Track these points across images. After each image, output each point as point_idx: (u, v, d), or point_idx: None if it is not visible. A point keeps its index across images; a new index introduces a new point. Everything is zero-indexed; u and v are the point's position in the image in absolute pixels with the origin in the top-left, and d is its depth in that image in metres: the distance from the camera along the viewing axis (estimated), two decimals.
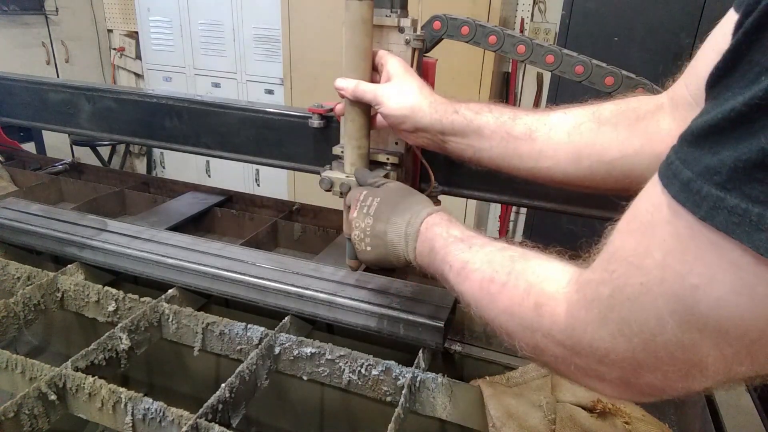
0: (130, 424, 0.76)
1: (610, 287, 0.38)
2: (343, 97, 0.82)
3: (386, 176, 0.90)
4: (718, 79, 0.32)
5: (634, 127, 0.65)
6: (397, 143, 0.92)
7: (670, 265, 0.34)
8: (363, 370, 0.84)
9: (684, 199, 0.32)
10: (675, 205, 0.33)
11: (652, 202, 0.36)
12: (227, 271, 1.01)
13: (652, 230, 0.35)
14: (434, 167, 0.95)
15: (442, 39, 0.96)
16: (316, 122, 1.10)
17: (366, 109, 0.82)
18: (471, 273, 0.55)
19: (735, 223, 0.29)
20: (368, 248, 0.71)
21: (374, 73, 0.84)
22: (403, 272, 1.17)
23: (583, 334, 0.41)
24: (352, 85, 0.79)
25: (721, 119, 0.30)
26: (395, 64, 0.80)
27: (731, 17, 0.52)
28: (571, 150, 0.69)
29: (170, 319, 0.96)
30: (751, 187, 0.28)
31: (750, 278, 0.30)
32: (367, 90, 0.79)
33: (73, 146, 4.16)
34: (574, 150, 0.69)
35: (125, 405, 0.76)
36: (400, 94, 0.77)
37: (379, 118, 0.85)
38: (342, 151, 0.89)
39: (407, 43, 0.86)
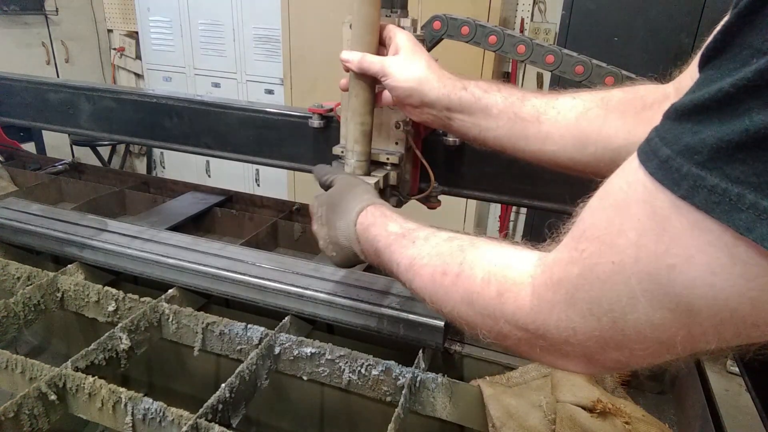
0: (130, 424, 0.76)
1: (580, 266, 0.38)
2: (347, 70, 0.80)
3: (386, 176, 0.90)
4: (709, 60, 0.32)
5: (640, 116, 0.65)
6: (397, 143, 0.92)
7: (645, 244, 0.33)
8: (363, 370, 0.84)
9: (662, 176, 0.32)
10: (652, 183, 0.33)
11: (627, 180, 0.35)
12: (227, 271, 1.01)
13: (627, 208, 0.35)
14: (434, 167, 0.95)
15: (442, 39, 0.96)
16: (316, 122, 1.10)
17: (371, 83, 0.80)
18: (420, 269, 0.55)
19: (715, 203, 0.29)
20: (334, 254, 0.72)
21: (381, 48, 0.81)
22: None
23: (549, 315, 0.41)
24: (358, 57, 0.77)
25: (707, 99, 0.30)
26: (404, 38, 0.78)
27: None
28: (577, 135, 0.68)
29: (170, 319, 0.96)
30: (733, 167, 0.28)
31: (727, 258, 0.30)
32: (374, 62, 0.76)
33: (73, 146, 4.16)
34: (581, 135, 0.68)
35: (125, 405, 0.76)
36: (409, 66, 0.75)
37: (384, 94, 0.82)
38: (342, 151, 0.89)
39: None
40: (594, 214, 0.38)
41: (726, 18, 0.31)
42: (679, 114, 0.32)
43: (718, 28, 0.31)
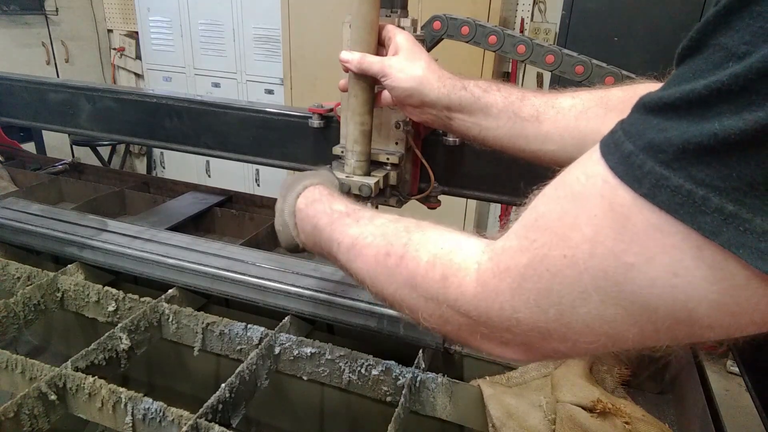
0: (130, 424, 0.76)
1: (529, 256, 0.37)
2: (347, 71, 0.80)
3: (386, 176, 0.90)
4: (684, 58, 0.31)
5: None
6: (397, 143, 0.92)
7: (601, 241, 0.32)
8: (363, 370, 0.84)
9: (623, 172, 0.31)
10: (612, 178, 0.32)
11: (586, 171, 0.35)
12: (227, 271, 1.01)
13: (583, 201, 0.34)
14: (434, 167, 0.95)
15: (442, 39, 0.96)
16: (316, 122, 1.10)
17: (370, 83, 0.80)
18: (363, 248, 0.53)
19: (679, 204, 0.29)
20: (280, 229, 0.70)
21: (380, 48, 0.81)
22: None
23: (492, 302, 0.40)
24: (357, 57, 0.77)
25: (677, 98, 0.29)
26: (403, 38, 0.78)
27: None
28: (577, 135, 0.68)
29: (170, 319, 0.96)
30: (698, 169, 0.28)
31: (691, 261, 0.29)
32: (373, 62, 0.76)
33: (73, 146, 4.16)
34: (581, 135, 0.68)
35: (125, 405, 0.76)
36: (408, 66, 0.75)
37: (384, 95, 0.82)
38: (342, 151, 0.89)
39: None
40: (548, 204, 0.37)
41: (702, 19, 0.30)
42: (648, 109, 0.31)
43: (695, 28, 0.30)
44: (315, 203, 0.63)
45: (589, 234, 0.33)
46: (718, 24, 0.29)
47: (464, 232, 0.48)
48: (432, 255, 0.46)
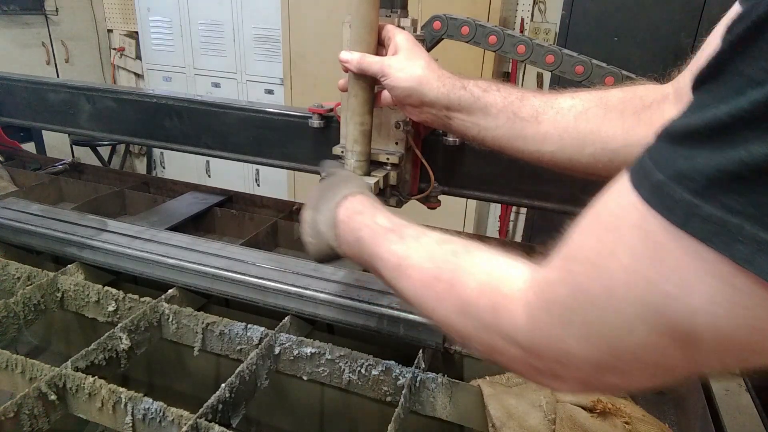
0: (130, 424, 0.76)
1: (570, 288, 0.37)
2: (346, 71, 0.80)
3: (386, 176, 0.90)
4: (702, 83, 0.31)
5: (639, 116, 0.64)
6: (397, 143, 0.92)
7: (639, 270, 0.32)
8: (363, 370, 0.84)
9: (656, 202, 0.31)
10: (645, 208, 0.32)
11: (619, 202, 0.35)
12: (227, 271, 1.01)
13: (618, 231, 0.34)
14: (434, 167, 0.95)
15: (442, 39, 0.96)
16: (316, 122, 1.10)
17: (370, 83, 0.80)
18: (409, 269, 0.52)
19: (712, 232, 0.29)
20: (312, 240, 0.69)
21: (380, 48, 0.81)
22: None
23: (543, 337, 0.39)
24: (357, 57, 0.77)
25: (701, 126, 0.29)
26: (403, 38, 0.78)
27: (735, 9, 0.52)
28: (576, 135, 0.68)
29: (170, 319, 0.96)
30: (729, 197, 0.28)
31: (728, 288, 0.29)
32: (373, 62, 0.76)
33: (73, 146, 4.16)
34: (580, 135, 0.67)
35: (125, 405, 0.76)
36: (408, 66, 0.75)
37: (384, 95, 0.82)
38: (342, 151, 0.89)
39: None
40: (584, 235, 0.37)
41: (720, 44, 0.30)
42: (672, 138, 0.32)
43: (713, 53, 0.30)
44: (357, 215, 0.62)
45: (626, 263, 0.33)
46: (736, 51, 0.29)
47: (510, 256, 0.47)
48: (480, 283, 0.46)
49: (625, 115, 0.66)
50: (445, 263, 0.49)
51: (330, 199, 0.67)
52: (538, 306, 0.40)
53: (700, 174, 0.29)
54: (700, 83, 0.32)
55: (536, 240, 2.84)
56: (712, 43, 0.56)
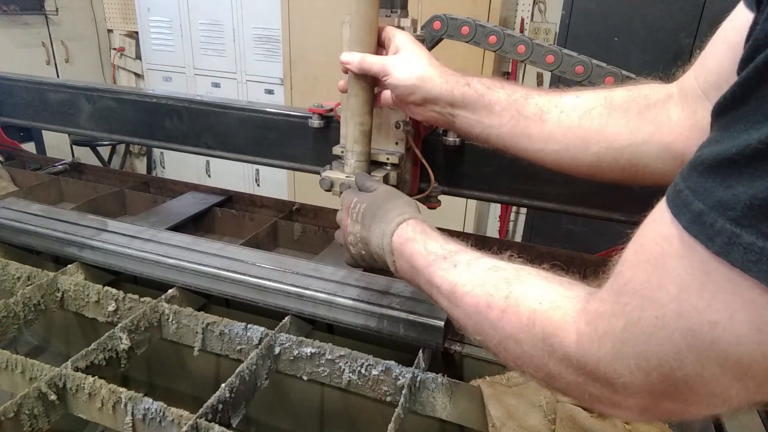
0: (130, 424, 0.76)
1: (624, 320, 0.37)
2: (346, 72, 0.79)
3: (386, 176, 0.90)
4: (727, 109, 0.32)
5: (644, 115, 0.64)
6: (397, 143, 0.92)
7: (686, 299, 0.33)
8: (363, 370, 0.84)
9: (696, 231, 0.32)
10: (687, 238, 0.32)
11: (662, 234, 0.35)
12: (227, 271, 1.01)
13: (664, 263, 0.35)
14: (434, 167, 0.95)
15: (442, 39, 0.96)
16: (316, 122, 1.10)
17: (370, 83, 0.80)
18: (463, 297, 0.53)
19: (752, 261, 0.29)
20: (362, 252, 0.71)
21: (380, 49, 0.81)
22: None
23: (596, 367, 0.40)
24: (358, 58, 0.76)
25: (735, 153, 0.30)
26: (403, 38, 0.78)
27: (742, 11, 0.51)
28: (580, 135, 0.68)
29: (170, 319, 0.96)
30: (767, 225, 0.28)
31: None
32: (374, 62, 0.76)
33: (73, 146, 4.16)
34: (584, 135, 0.67)
35: (125, 405, 0.76)
36: (410, 64, 0.75)
37: (383, 95, 0.82)
38: (342, 151, 0.89)
39: None
40: (632, 269, 0.38)
41: (745, 71, 0.31)
42: (707, 166, 0.32)
43: (738, 80, 0.31)
44: (410, 242, 0.63)
45: (674, 293, 0.34)
46: (762, 77, 0.29)
47: (561, 282, 0.48)
48: (531, 311, 0.46)
49: (629, 114, 0.65)
50: (497, 290, 0.50)
51: (380, 219, 0.68)
52: (590, 337, 0.41)
53: (739, 202, 0.29)
54: (725, 108, 0.32)
55: (536, 240, 2.84)
56: (715, 46, 0.56)
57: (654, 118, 0.64)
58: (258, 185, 3.90)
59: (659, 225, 0.36)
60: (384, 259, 0.67)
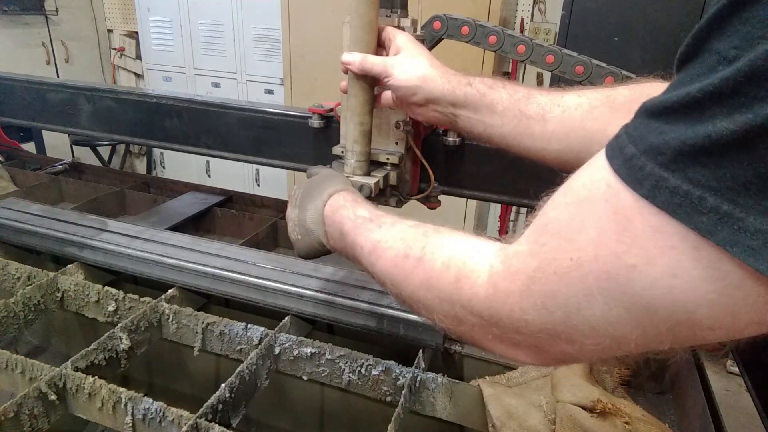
0: (130, 424, 0.76)
1: (539, 260, 0.38)
2: (346, 72, 0.79)
3: (386, 176, 0.90)
4: (683, 63, 0.32)
5: None
6: (397, 143, 0.92)
7: (605, 243, 0.33)
8: (363, 370, 0.84)
9: (625, 174, 0.32)
10: (615, 181, 0.33)
11: (592, 176, 0.36)
12: (227, 271, 1.01)
13: (589, 205, 0.35)
14: (434, 167, 0.95)
15: (442, 39, 0.96)
16: (316, 122, 1.10)
17: (371, 83, 0.80)
18: (384, 251, 0.55)
19: (677, 204, 0.29)
20: (299, 237, 0.72)
21: (380, 50, 0.81)
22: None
23: (502, 304, 0.41)
24: (359, 58, 0.76)
25: (675, 101, 0.30)
26: (404, 38, 0.78)
27: None
28: (582, 134, 0.68)
29: (170, 319, 0.96)
30: (695, 170, 0.29)
31: (688, 261, 0.30)
32: (375, 63, 0.76)
33: (73, 146, 4.16)
34: (586, 134, 0.67)
35: (125, 405, 0.76)
36: (411, 65, 0.75)
37: (384, 95, 0.82)
38: (342, 151, 0.89)
39: None
40: (556, 209, 0.39)
41: (697, 25, 0.31)
42: (649, 113, 0.33)
43: (692, 32, 0.31)
44: (340, 209, 0.65)
45: (594, 237, 0.34)
46: (711, 30, 0.30)
47: (481, 237, 0.49)
48: (447, 257, 0.48)
49: (632, 113, 0.65)
50: (415, 242, 0.52)
51: (315, 197, 0.69)
52: (502, 276, 0.42)
53: (669, 147, 0.30)
54: (680, 64, 0.33)
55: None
56: None
57: None
58: (258, 185, 3.90)
59: (592, 168, 0.36)
60: (316, 237, 0.68)
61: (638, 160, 0.31)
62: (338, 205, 0.66)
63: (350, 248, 0.62)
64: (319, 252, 0.71)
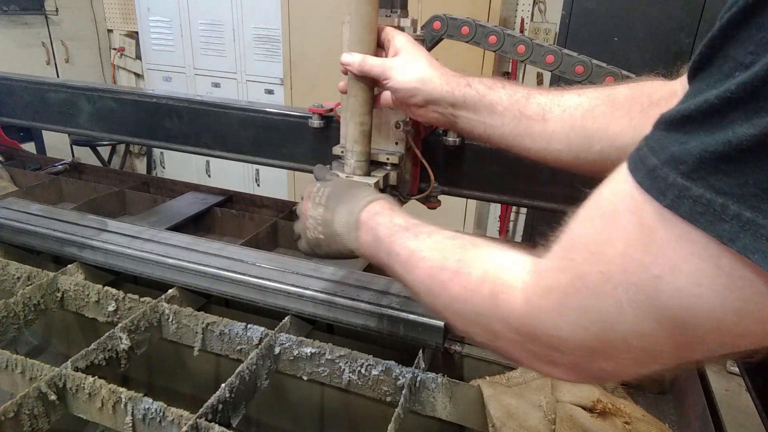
0: (130, 424, 0.76)
1: (570, 275, 0.38)
2: (345, 73, 0.79)
3: (386, 176, 0.90)
4: (697, 71, 0.32)
5: (647, 113, 0.64)
6: (397, 143, 0.92)
7: (632, 255, 0.33)
8: (363, 370, 0.84)
9: (649, 186, 0.32)
10: (639, 193, 0.33)
11: (616, 190, 0.36)
12: (227, 271, 1.01)
13: (615, 218, 0.35)
14: (434, 167, 0.95)
15: (442, 39, 0.96)
16: (316, 122, 1.10)
17: (370, 84, 0.80)
18: (419, 261, 0.55)
19: (699, 213, 0.29)
20: (320, 236, 0.71)
21: (379, 50, 0.81)
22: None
23: (539, 321, 0.41)
24: (359, 59, 0.76)
25: (693, 110, 0.30)
26: (403, 39, 0.78)
27: None
28: (583, 134, 0.68)
29: (170, 319, 0.96)
30: (717, 178, 0.29)
31: (711, 269, 0.30)
32: (375, 64, 0.76)
33: (73, 146, 4.16)
34: (587, 134, 0.67)
35: (125, 405, 0.76)
36: (410, 66, 0.75)
37: (383, 96, 0.82)
38: (342, 151, 0.89)
39: None
40: (583, 224, 0.39)
41: (710, 32, 0.31)
42: (668, 124, 0.33)
43: (705, 40, 0.31)
44: (376, 215, 0.65)
45: (621, 248, 0.34)
46: (726, 36, 0.30)
47: (516, 249, 0.49)
48: (483, 271, 0.48)
49: (632, 112, 0.65)
50: (452, 254, 0.51)
51: (347, 200, 0.69)
52: (536, 292, 0.41)
53: (691, 156, 0.30)
54: (694, 72, 0.33)
55: (536, 240, 2.84)
56: None
57: (657, 115, 0.64)
58: (258, 185, 3.90)
59: (615, 182, 0.36)
60: (344, 240, 0.68)
61: (660, 170, 0.31)
62: (375, 212, 0.65)
63: (384, 255, 0.61)
64: (338, 255, 0.71)
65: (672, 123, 0.32)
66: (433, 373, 0.82)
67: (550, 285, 0.40)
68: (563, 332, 0.39)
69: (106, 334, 0.88)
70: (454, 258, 0.51)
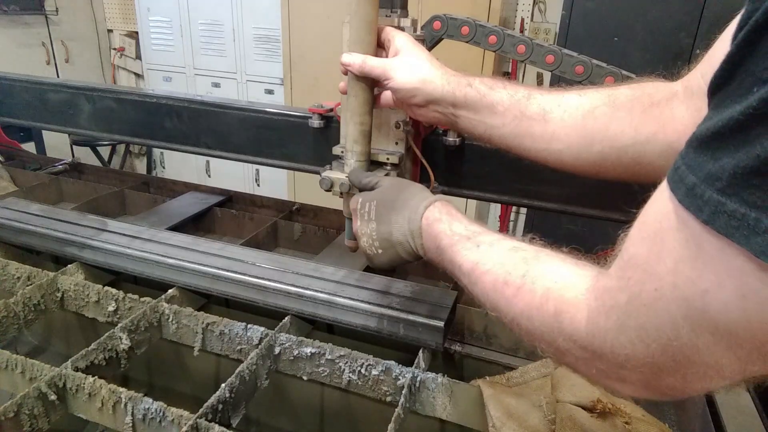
0: (130, 424, 0.76)
1: (627, 294, 0.39)
2: (345, 73, 0.79)
3: (386, 176, 0.90)
4: (718, 87, 0.33)
5: (647, 113, 0.65)
6: (397, 143, 0.92)
7: (681, 270, 0.35)
8: (363, 370, 0.84)
9: (688, 203, 0.33)
10: (681, 211, 0.34)
11: (660, 210, 0.37)
12: (227, 271, 1.01)
13: (662, 237, 0.36)
14: (434, 167, 0.95)
15: (442, 39, 0.96)
16: (316, 122, 1.10)
17: (370, 84, 0.80)
18: (482, 274, 0.55)
19: (734, 227, 0.30)
20: (380, 251, 0.71)
21: (379, 50, 0.81)
22: (404, 272, 1.17)
23: (603, 341, 0.42)
24: (359, 60, 0.76)
25: (721, 127, 0.31)
26: (403, 39, 0.78)
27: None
28: (584, 134, 0.68)
29: (170, 319, 0.96)
30: (749, 192, 0.29)
31: (754, 282, 0.31)
32: (375, 65, 0.76)
33: (73, 146, 4.16)
34: (587, 134, 0.68)
35: (125, 405, 0.76)
36: (411, 66, 0.75)
37: (383, 96, 0.82)
38: (342, 151, 0.89)
39: None
40: (635, 245, 0.40)
41: (730, 48, 0.32)
42: (701, 141, 0.33)
43: (724, 57, 0.32)
44: (436, 223, 0.65)
45: (672, 266, 0.35)
46: (743, 54, 0.31)
47: (579, 262, 0.50)
48: (545, 288, 0.48)
49: (633, 112, 0.65)
50: (515, 269, 0.52)
51: (400, 209, 0.69)
52: (598, 311, 0.42)
53: (724, 173, 0.31)
54: (715, 88, 0.34)
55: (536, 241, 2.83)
56: (722, 44, 0.56)
57: (658, 116, 0.64)
58: (258, 185, 3.90)
59: (659, 202, 0.38)
60: (408, 247, 0.68)
61: (699, 188, 0.32)
62: (434, 218, 0.65)
63: (448, 264, 0.62)
64: (403, 261, 0.71)
65: (703, 140, 0.33)
66: (433, 373, 0.82)
67: (610, 304, 0.41)
68: (627, 350, 0.40)
69: (106, 334, 0.88)
70: (518, 273, 0.52)
